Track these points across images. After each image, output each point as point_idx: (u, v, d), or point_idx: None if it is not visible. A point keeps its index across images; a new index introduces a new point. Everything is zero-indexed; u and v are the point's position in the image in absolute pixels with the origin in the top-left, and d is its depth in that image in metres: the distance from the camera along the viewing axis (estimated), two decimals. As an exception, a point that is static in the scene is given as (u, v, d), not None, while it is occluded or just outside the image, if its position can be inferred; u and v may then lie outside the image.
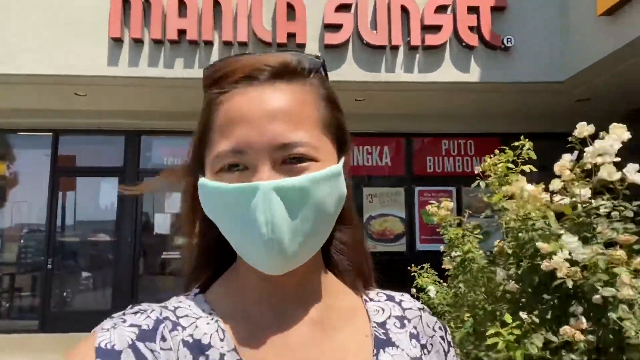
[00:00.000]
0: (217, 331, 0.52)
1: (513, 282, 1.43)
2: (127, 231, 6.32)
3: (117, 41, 5.08)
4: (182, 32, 5.09)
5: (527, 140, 1.92)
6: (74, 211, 6.54)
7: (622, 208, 1.35)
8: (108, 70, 5.09)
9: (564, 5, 5.38)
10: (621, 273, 1.22)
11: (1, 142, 6.30)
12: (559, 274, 1.31)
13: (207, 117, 0.54)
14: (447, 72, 5.42)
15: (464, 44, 5.37)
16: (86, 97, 5.77)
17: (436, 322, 0.63)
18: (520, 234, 1.48)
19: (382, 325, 0.59)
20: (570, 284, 1.31)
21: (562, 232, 1.44)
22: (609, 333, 1.22)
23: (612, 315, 1.18)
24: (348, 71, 5.31)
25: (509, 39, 5.38)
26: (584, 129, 1.48)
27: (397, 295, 0.65)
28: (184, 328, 0.51)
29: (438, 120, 6.65)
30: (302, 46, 5.20)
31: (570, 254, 1.36)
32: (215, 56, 5.13)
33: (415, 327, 0.61)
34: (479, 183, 1.82)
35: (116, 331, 0.48)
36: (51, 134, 6.46)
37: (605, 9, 4.58)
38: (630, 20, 4.38)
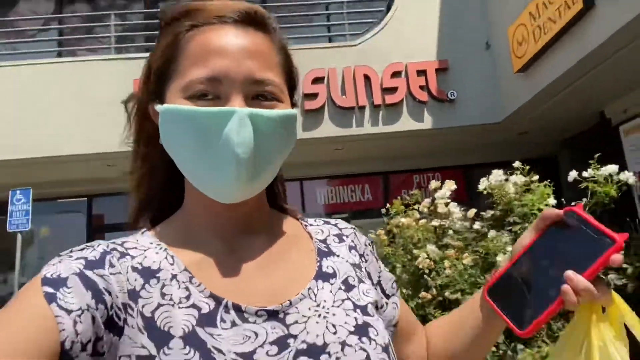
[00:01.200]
0: (166, 258, 0.55)
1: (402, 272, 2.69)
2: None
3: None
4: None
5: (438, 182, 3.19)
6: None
7: (451, 229, 2.62)
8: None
9: (493, 63, 6.76)
10: (445, 263, 2.48)
11: (46, 209, 7.56)
12: (420, 266, 2.56)
13: (174, 49, 0.55)
14: (405, 123, 6.74)
15: (417, 100, 6.72)
16: (115, 167, 7.07)
17: (366, 239, 0.72)
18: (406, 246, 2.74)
19: (323, 241, 0.66)
20: (427, 271, 2.55)
21: (427, 243, 2.70)
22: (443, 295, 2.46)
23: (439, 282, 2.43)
24: (325, 129, 6.62)
25: (452, 93, 6.73)
26: (434, 184, 2.75)
27: (332, 221, 0.72)
28: (132, 257, 0.54)
29: (408, 159, 7.93)
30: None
31: (428, 254, 2.61)
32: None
33: (352, 241, 0.69)
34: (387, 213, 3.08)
35: (62, 263, 0.49)
36: (86, 198, 7.74)
37: (519, 67, 5.94)
38: (538, 74, 5.73)
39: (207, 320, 0.51)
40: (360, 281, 0.63)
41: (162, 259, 0.54)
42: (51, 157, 6.38)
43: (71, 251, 0.52)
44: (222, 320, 0.52)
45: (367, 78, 6.71)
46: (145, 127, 0.61)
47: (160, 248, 0.56)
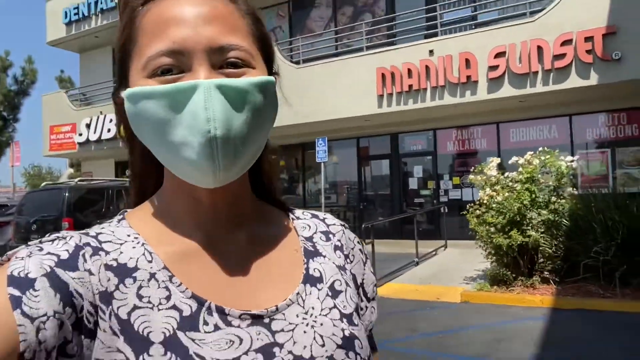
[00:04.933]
0: (143, 254, 0.50)
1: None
2: (395, 189, 11.81)
3: (381, 96, 10.40)
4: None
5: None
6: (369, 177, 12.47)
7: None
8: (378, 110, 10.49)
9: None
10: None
11: (335, 146, 12.65)
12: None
13: (130, 28, 0.51)
14: (574, 81, 8.67)
15: (584, 62, 8.53)
16: (369, 121, 11.36)
17: (355, 237, 0.68)
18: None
19: (310, 239, 0.62)
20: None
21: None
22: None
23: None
24: (505, 91, 9.20)
25: (617, 54, 8.24)
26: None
27: (321, 214, 0.68)
28: (107, 253, 0.49)
29: (592, 104, 9.56)
30: (476, 82, 9.38)
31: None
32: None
33: (339, 240, 0.64)
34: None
35: (31, 259, 0.45)
36: (355, 139, 12.45)
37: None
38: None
39: (189, 323, 0.48)
40: (347, 285, 0.60)
41: (139, 255, 0.50)
42: (337, 119, 11.07)
43: (41, 242, 0.48)
44: (205, 323, 0.49)
45: (539, 49, 8.83)
46: (124, 117, 0.53)
47: (138, 242, 0.51)
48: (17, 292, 0.42)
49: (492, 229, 5.63)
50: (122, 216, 0.56)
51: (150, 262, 0.50)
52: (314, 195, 12.85)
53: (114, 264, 0.48)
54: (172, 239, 0.53)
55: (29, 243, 0.48)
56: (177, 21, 0.48)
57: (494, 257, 5.89)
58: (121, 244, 0.51)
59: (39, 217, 8.10)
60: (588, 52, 8.47)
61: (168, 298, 0.48)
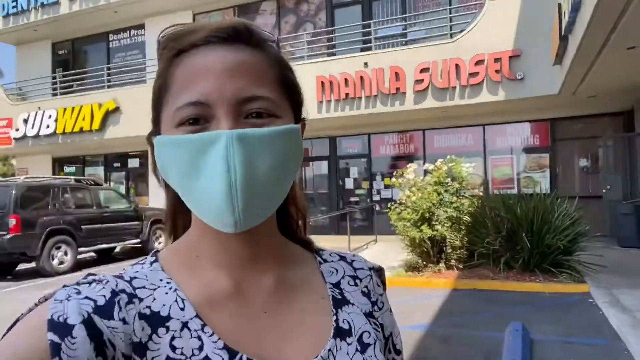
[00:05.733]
0: (176, 300, 0.51)
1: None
2: (333, 188, 12.72)
3: (320, 102, 11.29)
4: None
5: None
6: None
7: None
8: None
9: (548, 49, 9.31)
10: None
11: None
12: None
13: (166, 76, 0.53)
14: (484, 97, 9.98)
15: (493, 80, 9.85)
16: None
17: (383, 280, 0.67)
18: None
19: (337, 285, 0.61)
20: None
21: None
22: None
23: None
24: (428, 102, 10.37)
25: (520, 74, 9.61)
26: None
27: (349, 256, 0.66)
28: (140, 300, 0.50)
29: (502, 116, 10.94)
30: (404, 93, 10.50)
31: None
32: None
33: (366, 286, 0.63)
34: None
35: (70, 303, 0.46)
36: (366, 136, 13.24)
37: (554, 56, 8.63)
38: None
39: None
40: (375, 336, 0.58)
41: (171, 302, 0.51)
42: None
43: (78, 284, 0.49)
44: None
45: (457, 67, 10.07)
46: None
47: (170, 288, 0.52)
48: (56, 339, 0.43)
49: (408, 224, 6.66)
50: (154, 258, 0.56)
51: (182, 309, 0.51)
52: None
53: (148, 312, 0.49)
54: (202, 283, 0.54)
55: (65, 284, 0.49)
56: (204, 74, 0.50)
57: (410, 248, 6.94)
58: (154, 289, 0.51)
59: (-16, 214, 8.25)
60: (497, 71, 9.80)
61: (200, 348, 0.49)
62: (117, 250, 11.04)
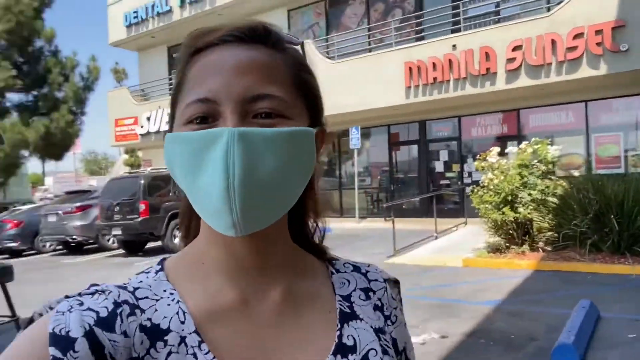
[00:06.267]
0: (177, 313, 0.50)
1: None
2: (422, 171, 12.90)
3: (408, 88, 11.47)
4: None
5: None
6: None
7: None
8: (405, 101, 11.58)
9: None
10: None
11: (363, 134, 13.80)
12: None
13: (181, 76, 0.53)
14: (584, 72, 9.44)
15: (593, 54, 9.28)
16: (397, 111, 12.44)
17: (398, 296, 0.64)
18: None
19: (347, 298, 0.59)
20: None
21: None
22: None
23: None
24: (521, 81, 10.06)
25: (624, 45, 8.95)
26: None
27: (364, 266, 0.64)
28: (142, 311, 0.49)
29: (604, 91, 10.24)
30: (495, 74, 10.30)
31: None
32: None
33: (379, 299, 0.60)
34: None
35: (72, 315, 0.45)
36: (386, 126, 13.58)
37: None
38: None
39: None
40: (384, 353, 0.56)
41: (173, 315, 0.50)
42: (370, 109, 12.24)
43: (80, 295, 0.49)
44: None
45: (553, 42, 9.63)
46: None
47: (173, 299, 0.51)
48: (58, 354, 0.43)
49: (489, 206, 6.76)
50: (160, 266, 0.55)
51: (182, 322, 0.49)
52: (350, 177, 14.12)
53: (148, 324, 0.48)
54: (206, 293, 0.52)
55: (68, 295, 0.49)
56: (215, 71, 0.49)
57: (492, 230, 7.03)
58: (157, 300, 0.51)
59: (120, 200, 9.89)
60: (598, 44, 9.22)
61: None
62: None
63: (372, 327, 0.57)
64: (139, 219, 9.57)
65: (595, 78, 9.50)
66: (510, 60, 10.12)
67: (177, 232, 10.30)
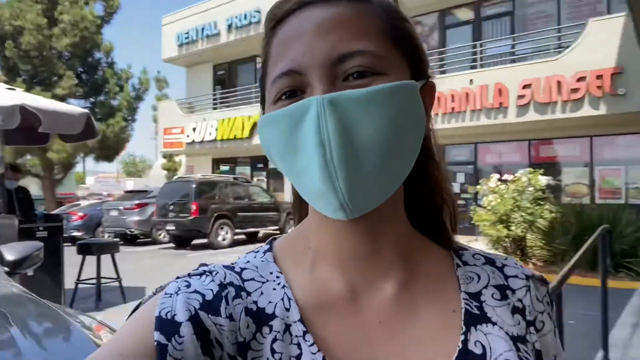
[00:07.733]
0: (282, 299, 0.47)
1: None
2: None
3: (429, 116, 12.83)
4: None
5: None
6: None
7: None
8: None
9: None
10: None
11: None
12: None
13: (265, 54, 0.49)
14: (585, 111, 10.64)
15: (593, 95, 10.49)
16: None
17: (546, 295, 0.52)
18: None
19: (476, 296, 0.49)
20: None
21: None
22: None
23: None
24: (530, 116, 11.29)
25: (622, 90, 10.13)
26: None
27: (499, 259, 0.53)
28: (248, 294, 0.47)
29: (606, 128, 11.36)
30: (507, 108, 11.58)
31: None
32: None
33: (520, 300, 0.50)
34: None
35: (179, 298, 0.44)
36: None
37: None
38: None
39: None
40: None
41: (278, 300, 0.47)
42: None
43: (190, 276, 0.48)
44: None
45: (559, 83, 10.88)
46: None
47: (279, 284, 0.48)
48: (163, 340, 0.41)
49: (487, 224, 8.08)
50: (269, 246, 0.53)
51: (287, 310, 0.46)
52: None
53: (254, 307, 0.46)
54: (313, 281, 0.49)
55: (179, 275, 0.48)
56: (296, 39, 0.44)
57: (489, 245, 8.33)
58: (263, 283, 0.48)
59: (175, 200, 11.58)
60: (598, 87, 10.42)
61: (298, 357, 0.44)
62: (260, 235, 13.93)
63: (508, 333, 0.47)
64: (190, 218, 11.21)
65: (596, 117, 10.68)
66: (521, 96, 11.39)
67: (220, 232, 12.17)
